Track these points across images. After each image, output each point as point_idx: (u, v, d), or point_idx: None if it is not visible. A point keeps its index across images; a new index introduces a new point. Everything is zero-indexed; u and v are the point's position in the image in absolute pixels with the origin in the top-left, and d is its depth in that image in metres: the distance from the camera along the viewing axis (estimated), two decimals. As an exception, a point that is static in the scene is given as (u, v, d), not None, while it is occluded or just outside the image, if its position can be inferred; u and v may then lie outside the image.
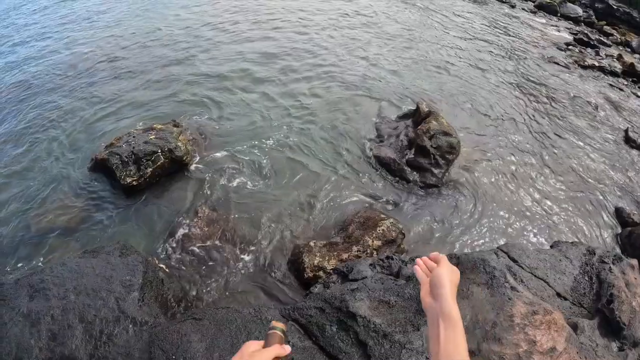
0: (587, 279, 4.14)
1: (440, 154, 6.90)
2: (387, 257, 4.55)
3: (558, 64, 11.85)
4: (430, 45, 11.87)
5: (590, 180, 7.53)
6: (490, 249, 4.53)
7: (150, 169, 6.26)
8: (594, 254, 4.43)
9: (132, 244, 4.88)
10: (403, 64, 10.61)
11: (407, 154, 7.05)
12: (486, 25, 14.14)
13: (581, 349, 3.27)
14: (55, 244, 5.78)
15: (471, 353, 3.11)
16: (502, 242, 5.96)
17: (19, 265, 5.52)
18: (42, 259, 5.59)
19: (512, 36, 13.51)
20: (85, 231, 5.96)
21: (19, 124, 8.38)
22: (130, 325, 3.68)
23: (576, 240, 6.19)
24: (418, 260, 1.70)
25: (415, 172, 6.87)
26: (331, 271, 4.62)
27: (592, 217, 6.71)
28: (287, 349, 1.32)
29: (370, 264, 4.46)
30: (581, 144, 8.50)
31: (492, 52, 11.96)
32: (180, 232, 5.71)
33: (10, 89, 9.70)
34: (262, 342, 1.29)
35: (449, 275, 1.51)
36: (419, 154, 6.94)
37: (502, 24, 14.50)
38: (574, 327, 3.52)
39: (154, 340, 3.43)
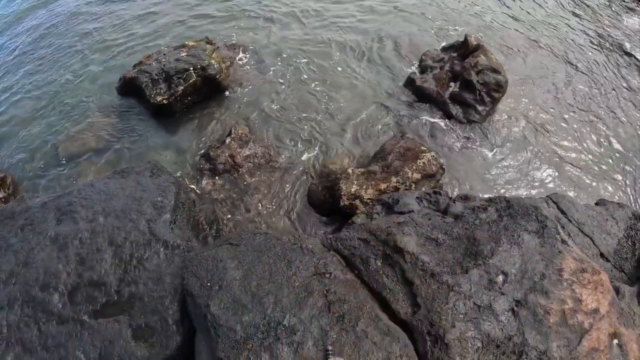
0: (630, 243, 3.89)
1: (486, 90, 6.15)
2: (435, 192, 4.08)
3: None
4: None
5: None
6: (541, 197, 4.13)
7: (182, 87, 5.68)
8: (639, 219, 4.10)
9: (163, 165, 4.43)
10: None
11: (451, 87, 6.29)
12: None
13: (621, 315, 3.02)
14: (83, 165, 5.43)
15: (517, 302, 2.86)
16: (541, 191, 5.34)
17: (47, 188, 5.20)
18: (70, 181, 5.25)
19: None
20: (114, 152, 5.56)
21: (50, 46, 7.86)
22: (162, 249, 3.31)
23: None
24: None
25: (458, 107, 6.17)
26: (373, 201, 4.16)
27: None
28: None
29: (417, 197, 3.98)
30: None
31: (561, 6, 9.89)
32: (213, 153, 5.22)
33: (44, 12, 9.04)
34: None
35: None
36: (464, 88, 6.19)
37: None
38: (616, 291, 3.25)
39: (187, 266, 3.03)
